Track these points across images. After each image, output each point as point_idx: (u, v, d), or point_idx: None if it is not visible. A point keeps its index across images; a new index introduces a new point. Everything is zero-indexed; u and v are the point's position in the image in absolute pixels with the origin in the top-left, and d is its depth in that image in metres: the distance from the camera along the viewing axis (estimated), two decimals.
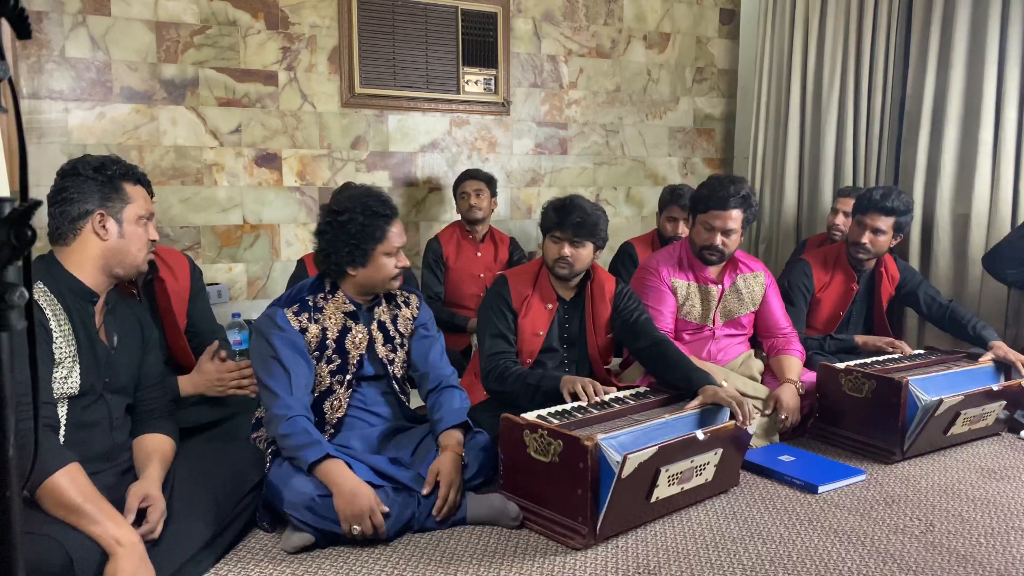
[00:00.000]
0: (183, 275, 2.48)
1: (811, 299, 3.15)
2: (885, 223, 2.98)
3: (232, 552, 1.90)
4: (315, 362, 2.11)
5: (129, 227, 1.85)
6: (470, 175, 3.60)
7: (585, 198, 2.55)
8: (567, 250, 2.47)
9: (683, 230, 3.49)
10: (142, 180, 1.93)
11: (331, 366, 2.13)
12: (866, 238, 3.00)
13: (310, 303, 2.13)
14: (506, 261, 3.66)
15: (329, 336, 2.12)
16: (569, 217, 2.45)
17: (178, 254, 2.56)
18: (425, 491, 2.01)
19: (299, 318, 2.10)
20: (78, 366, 1.73)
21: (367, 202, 2.11)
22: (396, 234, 2.14)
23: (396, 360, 2.24)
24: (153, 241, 1.92)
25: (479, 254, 3.64)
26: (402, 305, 2.29)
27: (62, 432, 1.71)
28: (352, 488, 1.88)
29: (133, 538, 1.56)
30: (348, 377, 2.15)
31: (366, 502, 1.88)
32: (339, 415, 2.14)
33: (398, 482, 2.00)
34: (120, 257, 1.83)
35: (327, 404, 2.13)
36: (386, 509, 1.92)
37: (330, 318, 2.14)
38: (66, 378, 1.71)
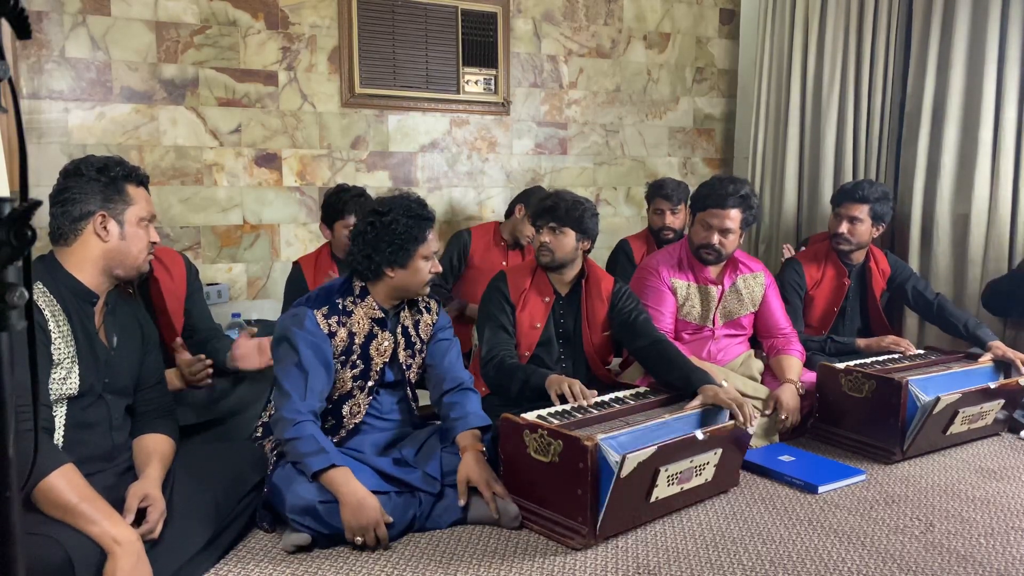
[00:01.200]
0: (179, 274, 2.48)
1: (805, 297, 3.17)
2: (860, 211, 3.05)
3: (232, 552, 1.90)
4: (339, 367, 2.09)
5: (130, 229, 1.84)
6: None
7: (571, 192, 2.61)
8: (546, 236, 2.53)
9: (669, 220, 3.57)
10: (144, 182, 1.93)
11: (354, 371, 2.12)
12: (844, 227, 3.07)
13: (339, 306, 2.12)
14: None
15: (356, 342, 2.11)
16: (544, 203, 2.55)
17: (174, 253, 2.56)
18: (461, 502, 2.03)
19: (328, 321, 2.08)
20: (77, 367, 1.73)
21: (409, 204, 2.12)
22: (433, 238, 2.16)
23: (414, 365, 2.24)
24: (154, 243, 1.92)
25: (505, 262, 3.60)
26: (423, 311, 2.29)
27: (61, 433, 1.71)
28: (359, 500, 1.88)
29: (131, 536, 1.56)
30: (370, 384, 2.14)
31: (373, 514, 1.88)
32: (356, 420, 2.14)
33: (405, 484, 2.01)
34: (121, 259, 1.83)
35: (346, 408, 2.13)
36: (390, 520, 1.92)
37: (358, 323, 2.12)
38: (65, 379, 1.70)
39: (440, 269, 2.20)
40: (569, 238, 2.52)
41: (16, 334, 0.78)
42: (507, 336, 2.53)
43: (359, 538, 1.88)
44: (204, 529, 1.80)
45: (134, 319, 1.97)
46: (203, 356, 2.27)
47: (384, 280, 2.13)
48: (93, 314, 1.81)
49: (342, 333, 2.09)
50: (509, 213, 3.62)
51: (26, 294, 0.78)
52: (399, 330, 2.20)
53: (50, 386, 1.68)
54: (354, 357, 2.11)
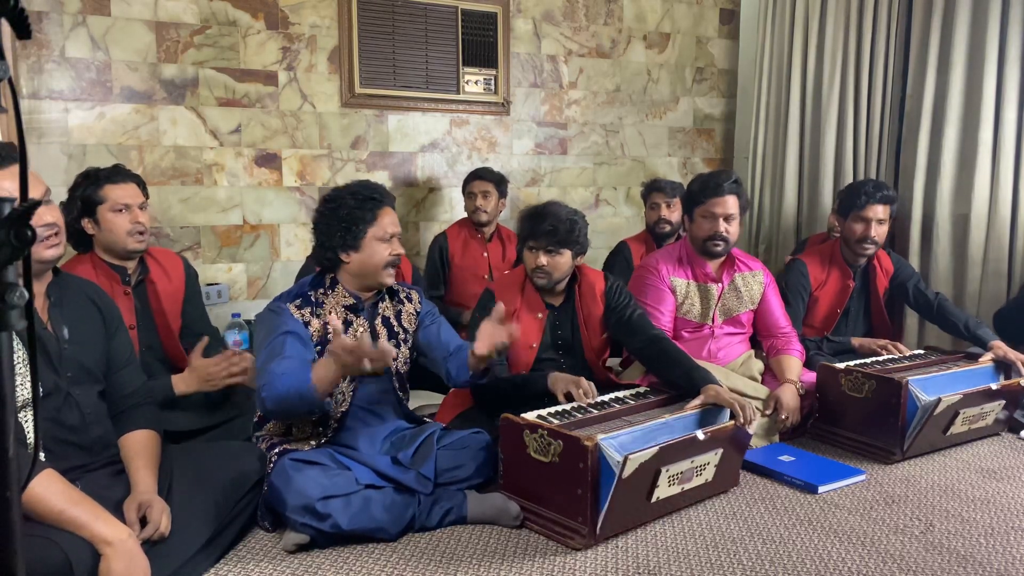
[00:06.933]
0: (177, 277, 2.47)
1: (809, 298, 3.16)
2: (885, 212, 3.03)
3: (232, 552, 1.90)
4: (317, 357, 2.09)
5: None
6: (478, 175, 3.57)
7: (561, 204, 2.51)
8: (543, 259, 2.44)
9: (665, 212, 3.62)
10: (7, 159, 1.60)
11: None
12: (873, 231, 3.01)
13: (312, 298, 2.14)
14: (514, 260, 3.63)
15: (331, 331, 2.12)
16: (541, 225, 2.42)
17: (173, 255, 2.54)
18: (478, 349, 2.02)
19: (302, 311, 2.11)
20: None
21: (357, 189, 2.14)
22: (388, 221, 2.13)
23: (399, 356, 2.23)
24: (51, 224, 1.66)
25: (485, 254, 3.63)
26: (405, 301, 2.29)
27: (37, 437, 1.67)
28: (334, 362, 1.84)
29: (121, 535, 1.54)
30: None
31: (354, 350, 1.80)
32: (343, 409, 2.14)
33: (401, 484, 2.01)
34: None
35: (329, 398, 2.13)
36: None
37: (330, 312, 2.13)
38: (22, 385, 1.63)
39: (402, 251, 2.16)
40: (566, 258, 2.46)
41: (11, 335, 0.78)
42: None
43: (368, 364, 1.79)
44: (204, 529, 1.79)
45: (89, 304, 1.85)
46: (239, 348, 2.20)
47: (344, 267, 2.14)
48: (34, 312, 1.71)
49: (316, 324, 2.11)
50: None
51: (26, 294, 0.78)
52: (379, 320, 2.20)
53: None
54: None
